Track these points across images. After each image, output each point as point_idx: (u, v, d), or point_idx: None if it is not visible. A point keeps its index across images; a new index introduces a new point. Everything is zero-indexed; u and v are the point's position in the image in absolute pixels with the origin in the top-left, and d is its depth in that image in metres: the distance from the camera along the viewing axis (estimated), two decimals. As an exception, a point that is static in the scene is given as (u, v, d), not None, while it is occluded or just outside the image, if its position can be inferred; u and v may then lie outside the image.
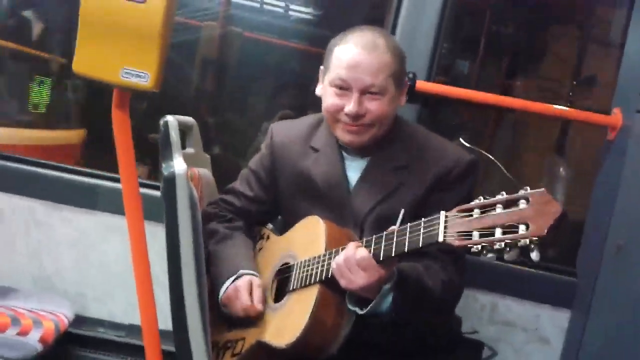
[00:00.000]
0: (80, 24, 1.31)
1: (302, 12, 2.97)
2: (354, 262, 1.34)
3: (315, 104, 1.70)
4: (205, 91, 2.82)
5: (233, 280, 1.59)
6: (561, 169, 2.72)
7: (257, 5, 2.90)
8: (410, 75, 2.01)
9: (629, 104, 2.05)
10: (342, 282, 1.37)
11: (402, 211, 1.38)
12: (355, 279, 1.34)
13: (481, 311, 2.24)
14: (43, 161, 2.31)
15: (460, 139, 1.85)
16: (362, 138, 1.57)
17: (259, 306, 1.56)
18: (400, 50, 1.60)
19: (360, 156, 1.63)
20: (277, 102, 2.85)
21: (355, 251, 1.35)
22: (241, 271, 1.60)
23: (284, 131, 1.74)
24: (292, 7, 2.95)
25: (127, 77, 1.33)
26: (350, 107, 1.53)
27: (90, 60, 1.33)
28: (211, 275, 1.64)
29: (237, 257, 1.65)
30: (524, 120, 2.92)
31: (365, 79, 1.52)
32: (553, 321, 2.25)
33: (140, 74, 1.33)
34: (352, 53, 1.53)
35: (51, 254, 2.29)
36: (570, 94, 2.95)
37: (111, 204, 2.23)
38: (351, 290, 1.38)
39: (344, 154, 1.64)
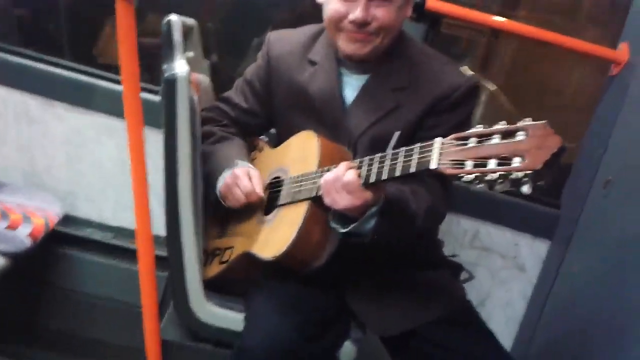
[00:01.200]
0: None
1: None
2: (341, 183, 1.33)
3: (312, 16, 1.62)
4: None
5: (231, 170, 1.58)
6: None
7: None
8: (422, -9, 1.93)
9: (638, 40, 2.01)
10: (326, 200, 1.36)
11: (397, 133, 1.37)
12: (339, 200, 1.34)
13: (463, 236, 2.29)
14: (39, 55, 2.25)
15: (465, 67, 1.81)
16: (365, 48, 1.51)
17: (259, 191, 1.56)
18: None
19: (359, 73, 1.59)
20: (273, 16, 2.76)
21: (345, 172, 1.34)
22: (238, 162, 1.60)
23: (281, 42, 1.68)
24: None
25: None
26: (356, 13, 1.46)
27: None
28: (205, 173, 1.63)
29: (233, 154, 1.64)
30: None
31: None
32: (532, 250, 2.30)
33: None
34: None
35: (43, 151, 2.28)
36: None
37: (107, 104, 2.20)
38: (335, 208, 1.38)
39: (343, 69, 1.60)
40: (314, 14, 1.64)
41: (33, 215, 1.97)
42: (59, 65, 2.24)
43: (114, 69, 2.24)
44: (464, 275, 1.73)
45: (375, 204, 1.36)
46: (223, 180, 1.59)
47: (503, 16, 2.10)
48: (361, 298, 1.57)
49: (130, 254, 2.17)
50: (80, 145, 2.27)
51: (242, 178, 1.56)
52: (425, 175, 1.49)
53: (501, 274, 2.35)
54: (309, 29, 1.69)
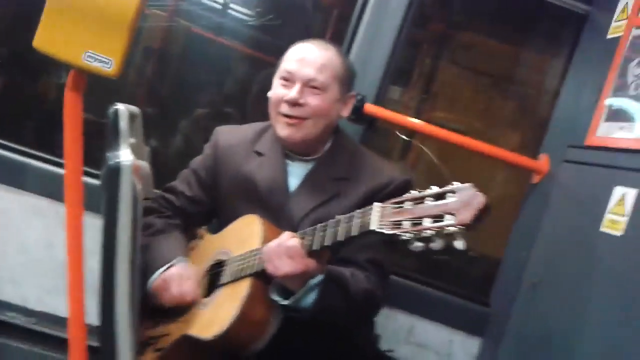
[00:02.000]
0: (49, 1, 1.26)
1: (250, 16, 2.97)
2: (283, 248, 1.37)
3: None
4: (146, 81, 2.75)
5: (164, 270, 1.57)
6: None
7: (217, 6, 2.89)
8: (359, 97, 2.05)
9: (557, 152, 2.17)
10: (269, 267, 1.39)
11: (338, 218, 1.41)
12: (281, 266, 1.37)
13: (399, 331, 2.30)
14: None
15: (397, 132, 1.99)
16: (298, 133, 1.62)
17: (188, 296, 1.55)
18: (350, 62, 1.69)
19: (303, 163, 1.68)
20: (207, 102, 2.83)
21: (288, 239, 1.39)
22: (174, 261, 1.60)
23: (229, 134, 1.77)
24: (241, 10, 2.95)
25: (89, 61, 1.30)
26: (291, 94, 1.59)
27: (53, 37, 1.29)
28: (141, 266, 1.59)
29: (170, 249, 1.65)
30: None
31: (309, 72, 1.59)
32: (464, 347, 2.34)
33: (104, 59, 1.30)
34: (301, 47, 1.64)
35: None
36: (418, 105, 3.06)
37: (36, 184, 2.14)
38: (276, 277, 1.41)
39: (287, 160, 1.69)
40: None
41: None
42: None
43: (45, 147, 2.20)
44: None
45: (316, 276, 1.40)
46: (155, 282, 1.58)
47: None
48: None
49: (55, 341, 2.09)
50: (6, 226, 2.17)
51: (172, 283, 1.56)
52: (363, 262, 1.56)
53: (436, 371, 2.36)
54: (256, 125, 1.79)
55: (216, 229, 1.76)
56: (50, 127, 2.37)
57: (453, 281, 2.40)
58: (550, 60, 2.69)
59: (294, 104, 1.59)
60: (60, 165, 1.50)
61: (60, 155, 1.46)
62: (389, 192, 1.61)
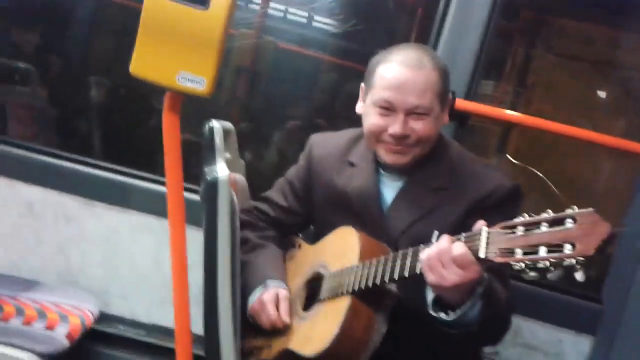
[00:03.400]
0: (141, 27, 1.32)
1: (333, 25, 3.00)
2: (449, 257, 1.23)
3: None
4: (238, 99, 2.85)
5: (261, 291, 1.58)
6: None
7: (301, 19, 2.95)
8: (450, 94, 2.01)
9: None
10: (431, 278, 1.25)
11: (436, 233, 1.33)
12: (449, 276, 1.23)
13: (505, 333, 2.24)
14: (75, 156, 2.33)
15: (507, 155, 1.86)
16: (405, 158, 1.54)
17: (285, 319, 1.55)
18: (445, 68, 1.56)
19: (398, 174, 1.60)
20: (300, 113, 2.87)
21: (451, 245, 1.24)
22: (268, 281, 1.60)
23: (323, 144, 1.73)
24: (325, 20, 2.99)
25: (183, 82, 1.34)
26: (395, 128, 1.49)
27: (147, 63, 1.34)
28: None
29: (266, 266, 1.65)
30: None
31: (411, 100, 1.48)
32: (575, 347, 2.24)
33: (197, 78, 1.34)
34: (397, 72, 1.49)
35: (79, 250, 2.31)
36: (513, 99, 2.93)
37: (142, 203, 2.25)
38: (442, 288, 1.26)
39: (381, 170, 1.62)
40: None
41: (70, 314, 1.97)
42: (97, 166, 2.32)
43: (148, 167, 2.32)
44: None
45: (481, 283, 1.28)
46: (252, 303, 1.59)
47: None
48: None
49: (163, 352, 2.18)
50: (116, 244, 2.30)
51: (268, 306, 1.56)
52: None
53: (546, 372, 2.28)
54: (349, 133, 1.74)
55: (313, 237, 1.76)
56: (151, 148, 2.50)
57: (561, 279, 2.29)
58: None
59: (400, 137, 1.51)
60: (163, 183, 1.58)
61: (162, 174, 1.53)
62: (496, 201, 1.52)
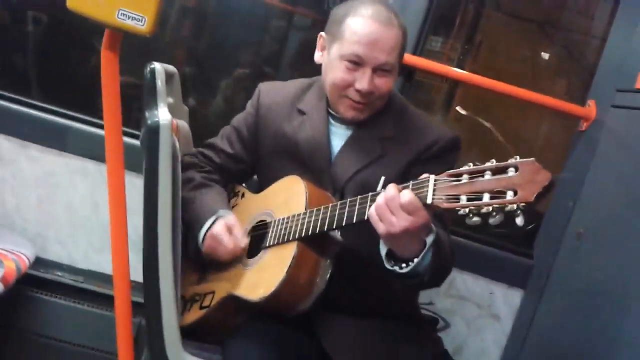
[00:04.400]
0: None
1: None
2: (397, 203, 1.25)
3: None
4: (182, 41, 2.76)
5: (210, 226, 1.57)
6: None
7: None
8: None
9: (605, 98, 2.10)
10: (381, 227, 1.28)
11: (383, 178, 1.36)
12: (398, 222, 1.25)
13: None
14: (13, 96, 2.23)
15: (457, 108, 1.88)
16: (364, 114, 1.58)
17: (243, 242, 1.56)
18: (405, 26, 1.59)
19: (347, 124, 1.62)
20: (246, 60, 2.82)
21: (399, 192, 1.26)
22: (221, 211, 1.59)
23: (272, 91, 1.72)
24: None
25: (123, 19, 1.29)
26: (363, 83, 1.51)
27: (86, -3, 1.28)
28: (185, 221, 1.62)
29: (214, 200, 1.64)
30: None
31: (381, 57, 1.50)
32: (506, 299, 2.33)
33: (137, 16, 1.29)
34: (370, 28, 1.50)
35: (13, 193, 2.24)
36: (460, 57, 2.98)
37: (80, 146, 2.19)
38: (391, 235, 1.28)
39: (331, 120, 1.64)
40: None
41: (4, 258, 1.92)
42: (33, 106, 2.22)
43: (87, 109, 2.24)
44: (440, 324, 1.74)
45: (430, 233, 1.32)
46: (203, 240, 1.58)
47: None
48: (338, 343, 1.54)
49: (101, 299, 2.15)
50: (53, 187, 2.24)
51: (223, 236, 1.55)
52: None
53: (476, 322, 2.36)
54: (299, 82, 1.74)
55: (257, 187, 1.75)
56: (92, 90, 2.41)
57: (494, 233, 2.36)
58: (598, 1, 2.59)
59: (367, 93, 1.53)
60: (102, 127, 1.54)
61: (101, 117, 1.47)
62: (437, 151, 1.57)
